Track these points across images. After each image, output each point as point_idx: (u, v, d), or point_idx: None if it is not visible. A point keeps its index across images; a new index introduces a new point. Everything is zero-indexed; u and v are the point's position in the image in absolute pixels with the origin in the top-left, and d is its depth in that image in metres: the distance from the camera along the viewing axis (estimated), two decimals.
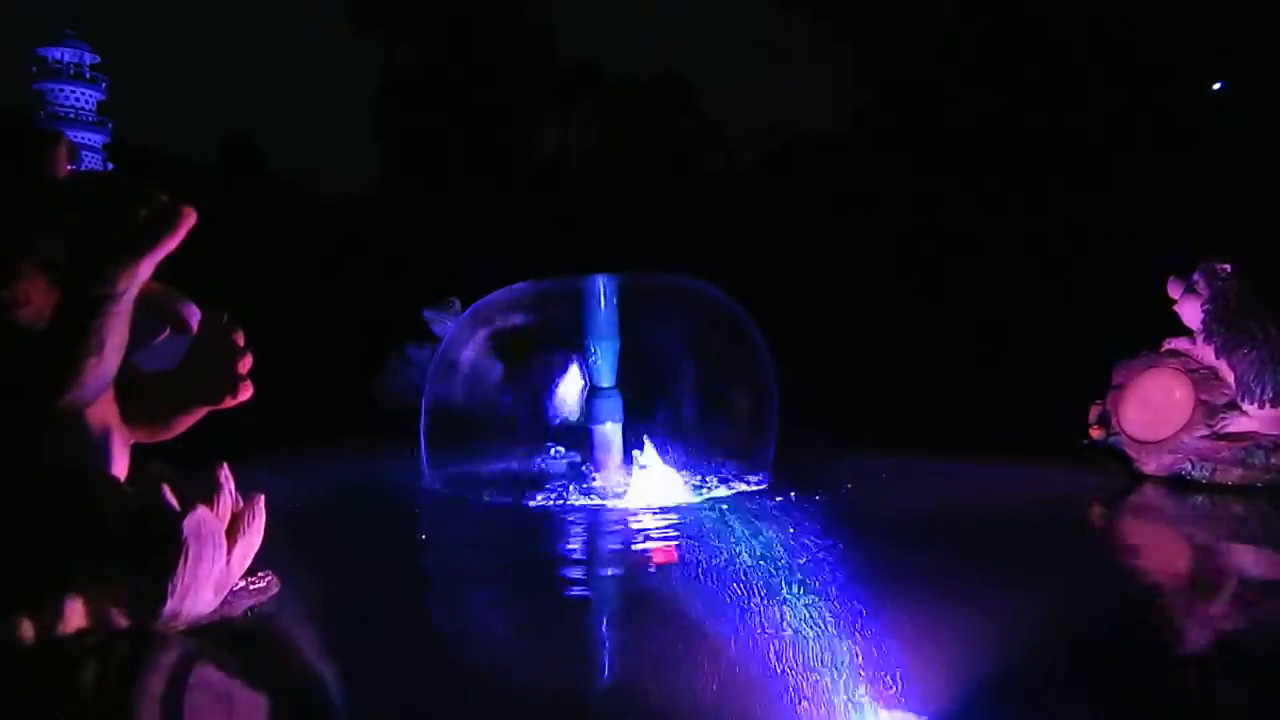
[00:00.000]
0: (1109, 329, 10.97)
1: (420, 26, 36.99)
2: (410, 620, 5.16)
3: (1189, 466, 8.79)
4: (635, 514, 7.91)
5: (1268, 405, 8.49)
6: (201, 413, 5.20)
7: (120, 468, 4.77)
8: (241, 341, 5.08)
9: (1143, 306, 9.94)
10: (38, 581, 4.15)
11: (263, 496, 4.89)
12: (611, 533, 7.45)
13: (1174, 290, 9.30)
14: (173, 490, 4.38)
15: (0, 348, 4.25)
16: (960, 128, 26.98)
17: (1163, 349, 9.49)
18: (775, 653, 3.98)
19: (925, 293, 25.19)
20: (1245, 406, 8.62)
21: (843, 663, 3.82)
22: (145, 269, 4.25)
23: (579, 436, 9.88)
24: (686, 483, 8.90)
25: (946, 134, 27.24)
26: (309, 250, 32.39)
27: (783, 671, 3.79)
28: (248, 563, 4.90)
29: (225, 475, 4.72)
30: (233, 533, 4.66)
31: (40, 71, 39.56)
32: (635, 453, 8.98)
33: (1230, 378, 8.78)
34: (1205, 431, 8.78)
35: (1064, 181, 24.48)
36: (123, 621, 4.30)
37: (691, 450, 9.77)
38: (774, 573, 5.29)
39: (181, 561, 4.27)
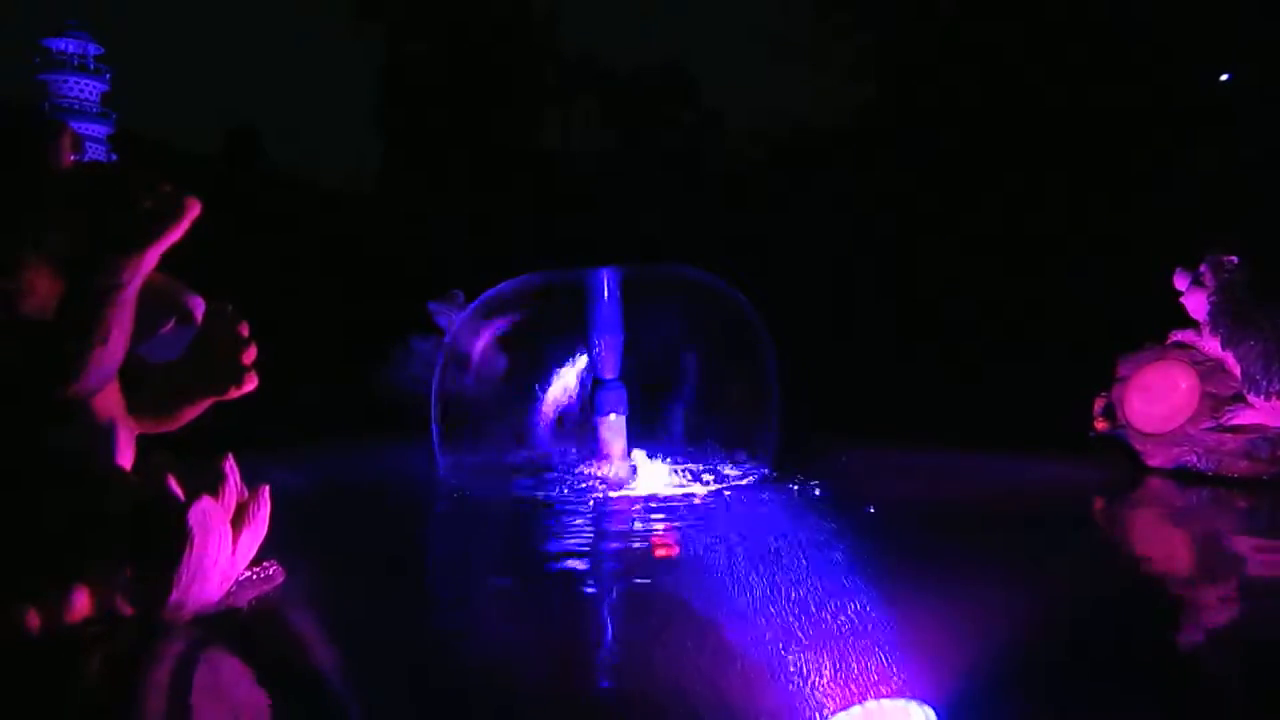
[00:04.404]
0: (1114, 321, 10.94)
1: (421, 24, 36.89)
2: (414, 609, 5.17)
3: (1195, 459, 8.76)
4: (638, 504, 7.92)
5: (1274, 397, 8.46)
6: (206, 403, 5.22)
7: (126, 458, 4.78)
8: (246, 333, 5.09)
9: (1149, 298, 9.91)
10: (45, 571, 4.16)
11: (267, 487, 4.91)
12: (614, 523, 7.45)
13: (1180, 282, 9.26)
14: (178, 481, 4.39)
15: (5, 338, 4.25)
16: (962, 122, 26.87)
17: (1169, 341, 9.46)
18: (779, 641, 3.98)
19: (929, 286, 25.13)
20: (1251, 399, 8.59)
21: (847, 651, 3.82)
22: (150, 259, 4.26)
23: (582, 429, 9.89)
24: (689, 473, 8.90)
25: (948, 128, 27.13)
26: (311, 243, 32.38)
27: (786, 659, 3.79)
28: (253, 553, 4.92)
29: (230, 466, 4.73)
30: (238, 523, 4.68)
31: (44, 63, 39.50)
32: (636, 451, 9.00)
33: (1236, 370, 8.75)
34: (1211, 424, 8.76)
35: (1069, 174, 24.38)
36: (128, 611, 4.31)
37: (695, 440, 9.78)
38: (778, 562, 5.29)
39: (187, 551, 4.29)
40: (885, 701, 3.43)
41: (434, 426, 9.63)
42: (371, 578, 5.65)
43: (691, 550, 6.28)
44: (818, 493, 8.08)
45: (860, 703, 3.43)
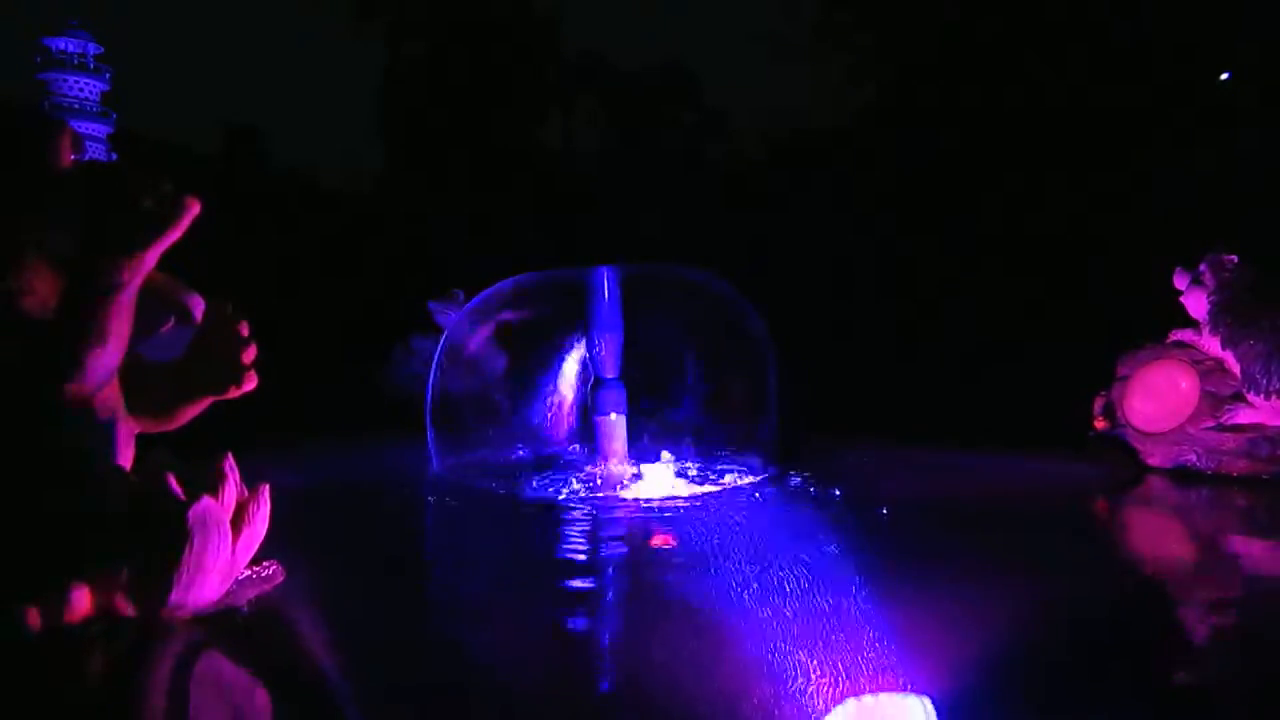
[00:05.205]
0: (1114, 321, 10.94)
1: (421, 24, 36.90)
2: (415, 608, 5.17)
3: (1194, 458, 8.76)
4: (637, 505, 7.92)
5: (1274, 397, 8.46)
6: (206, 402, 5.22)
7: (125, 457, 4.79)
8: (246, 332, 5.09)
9: (1149, 298, 9.91)
10: (45, 570, 4.17)
11: (267, 486, 4.91)
12: (614, 523, 7.45)
13: (1180, 281, 9.27)
14: (178, 480, 4.40)
15: (5, 338, 4.26)
16: (962, 122, 26.87)
17: (1169, 340, 9.46)
18: (778, 637, 3.99)
19: (929, 286, 25.12)
20: (1251, 398, 8.59)
21: (845, 646, 3.83)
22: (150, 259, 4.26)
23: (581, 429, 9.90)
24: (689, 474, 8.90)
25: (948, 128, 27.12)
26: (311, 243, 32.38)
27: (785, 656, 3.80)
28: (253, 552, 4.92)
29: (230, 465, 4.73)
30: (238, 522, 4.68)
31: (45, 62, 39.56)
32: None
33: (1236, 369, 8.75)
34: (1211, 423, 8.76)
35: (1069, 174, 24.38)
36: (129, 610, 4.31)
37: (694, 441, 9.78)
38: (777, 562, 5.29)
39: (187, 551, 4.29)
40: (883, 695, 3.44)
41: (429, 426, 9.64)
42: (371, 577, 5.65)
43: (691, 550, 6.28)
44: (817, 491, 8.08)
45: (857, 696, 3.44)
